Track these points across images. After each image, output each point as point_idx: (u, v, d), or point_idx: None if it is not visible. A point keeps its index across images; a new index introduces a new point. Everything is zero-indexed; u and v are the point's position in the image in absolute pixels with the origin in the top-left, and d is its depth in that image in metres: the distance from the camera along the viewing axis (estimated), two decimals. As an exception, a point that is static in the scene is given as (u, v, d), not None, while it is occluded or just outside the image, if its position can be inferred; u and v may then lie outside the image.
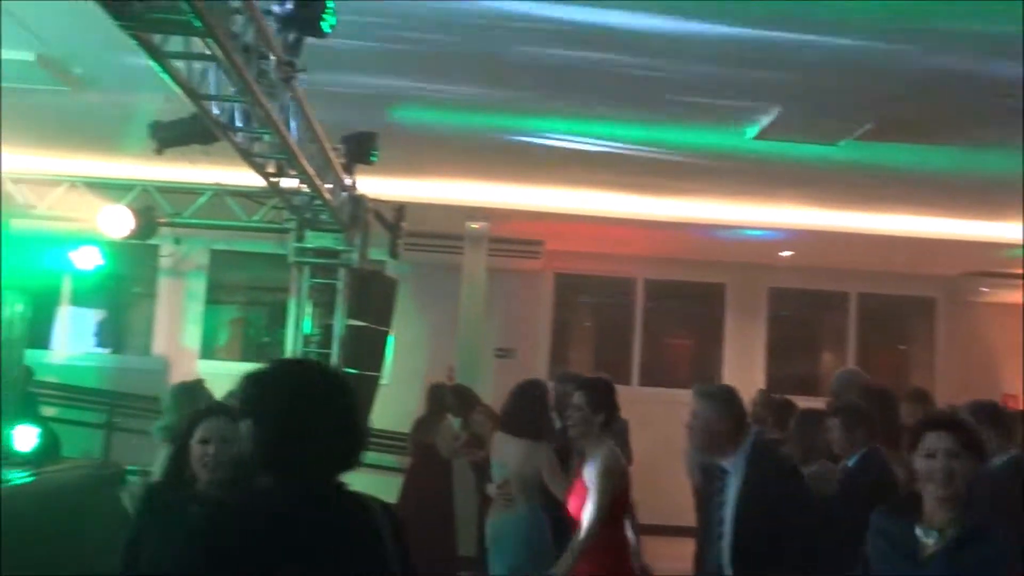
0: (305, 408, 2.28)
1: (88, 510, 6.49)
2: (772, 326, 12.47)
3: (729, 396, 4.12)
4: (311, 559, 2.15)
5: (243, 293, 12.60)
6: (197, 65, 4.26)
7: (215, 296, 11.84)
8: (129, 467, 7.66)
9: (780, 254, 11.48)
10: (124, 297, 12.02)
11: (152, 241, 9.01)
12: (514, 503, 5.50)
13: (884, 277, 11.97)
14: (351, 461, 2.33)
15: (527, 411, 5.62)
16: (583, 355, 12.83)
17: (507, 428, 5.73)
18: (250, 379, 2.39)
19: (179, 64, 4.07)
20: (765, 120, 6.56)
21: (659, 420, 9.10)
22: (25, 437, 6.46)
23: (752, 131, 6.82)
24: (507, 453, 5.59)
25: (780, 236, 10.34)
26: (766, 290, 12.42)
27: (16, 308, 6.75)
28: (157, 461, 4.46)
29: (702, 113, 6.61)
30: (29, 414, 7.04)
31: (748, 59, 5.52)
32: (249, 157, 5.13)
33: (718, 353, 12.42)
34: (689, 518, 6.96)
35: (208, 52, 4.03)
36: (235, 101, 4.40)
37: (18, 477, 6.05)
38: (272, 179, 5.70)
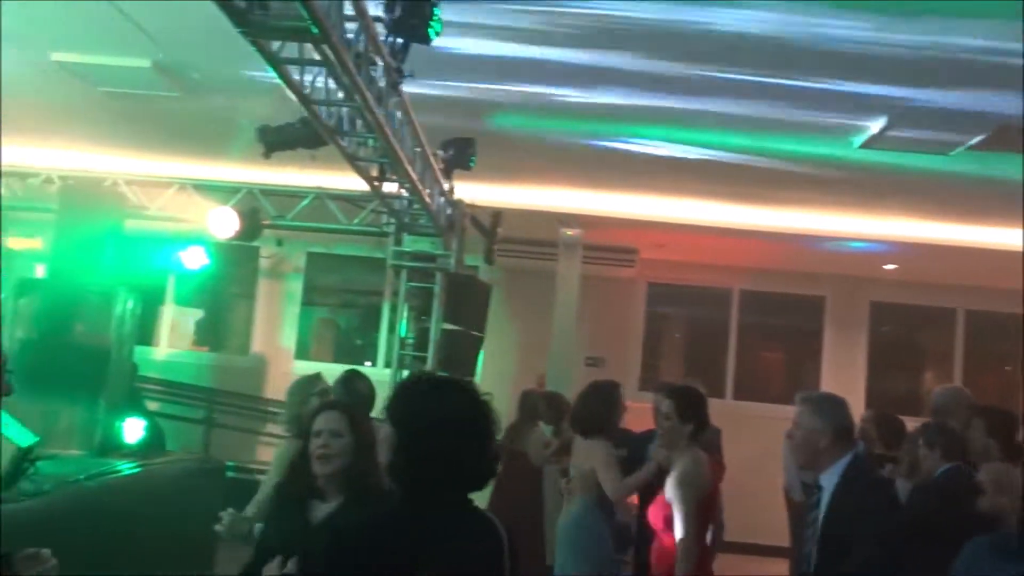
0: (452, 427, 2.32)
1: (190, 501, 6.67)
2: (873, 342, 12.12)
3: (835, 405, 3.92)
4: (441, 573, 2.21)
5: (337, 296, 12.84)
6: (297, 71, 4.36)
7: (310, 298, 12.09)
8: (228, 462, 7.88)
9: (884, 267, 11.16)
10: (223, 297, 12.35)
11: (253, 243, 9.23)
12: (574, 501, 5.51)
13: (994, 294, 11.50)
14: (482, 482, 2.39)
15: (591, 409, 5.63)
16: (674, 366, 12.68)
17: (574, 426, 5.76)
18: (402, 389, 2.45)
19: (291, 70, 4.17)
20: (872, 129, 6.40)
21: (752, 435, 8.96)
22: (133, 430, 6.68)
23: (858, 140, 6.66)
24: (575, 452, 5.63)
25: (884, 248, 10.05)
26: (868, 304, 12.08)
27: (127, 305, 6.98)
28: (280, 455, 4.57)
29: (807, 121, 6.48)
30: (136, 408, 7.27)
31: (855, 66, 5.39)
32: (354, 161, 5.22)
33: (816, 368, 12.13)
34: (779, 537, 6.81)
35: (318, 58, 4.12)
36: (345, 106, 4.48)
37: (126, 467, 6.26)
38: (375, 183, 5.78)
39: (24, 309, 6.76)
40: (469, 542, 2.29)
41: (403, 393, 2.43)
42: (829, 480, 3.82)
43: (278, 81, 6.31)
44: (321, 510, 3.25)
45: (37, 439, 4.98)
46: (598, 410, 5.62)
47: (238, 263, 11.24)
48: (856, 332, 12.05)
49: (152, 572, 5.68)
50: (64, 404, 6.46)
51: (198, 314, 12.32)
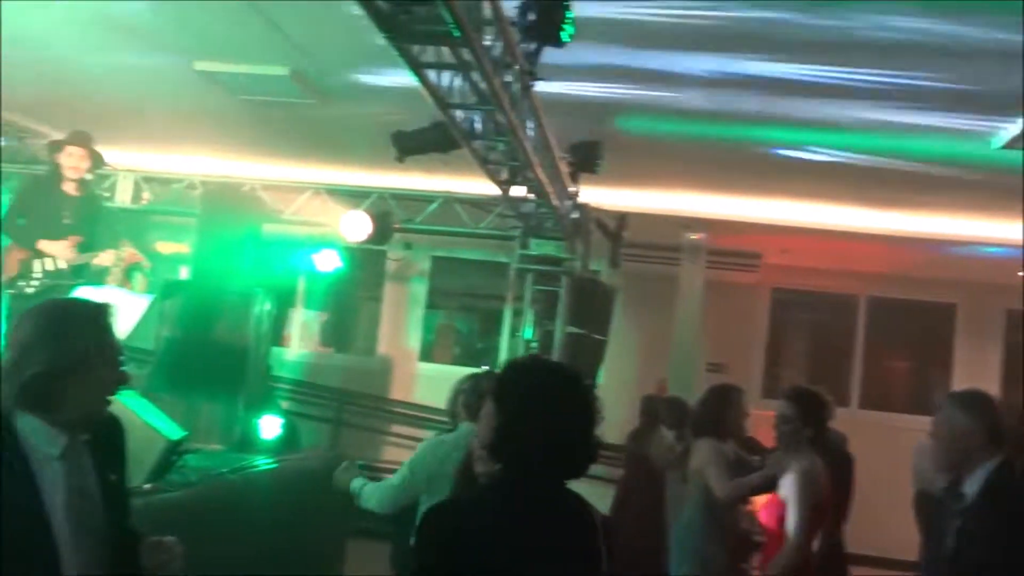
0: (556, 409, 2.30)
1: (324, 498, 6.86)
2: (1009, 352, 11.58)
3: (987, 403, 3.64)
4: (538, 557, 2.18)
5: (459, 299, 13.01)
6: (433, 76, 4.46)
7: (434, 301, 12.29)
8: (358, 462, 8.07)
9: (1019, 274, 10.66)
10: (350, 300, 12.67)
11: (382, 247, 9.45)
12: (687, 503, 5.45)
13: None
14: (581, 469, 2.34)
15: (707, 410, 5.55)
16: (798, 374, 12.38)
17: (692, 429, 5.71)
18: (510, 369, 2.44)
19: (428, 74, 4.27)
20: (1012, 130, 6.15)
21: (878, 445, 8.67)
22: (270, 426, 6.91)
23: (997, 141, 6.40)
24: (691, 454, 5.58)
25: (1020, 254, 9.61)
26: (1003, 312, 11.55)
27: (264, 307, 7.23)
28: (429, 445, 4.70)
29: (943, 122, 6.27)
30: (272, 406, 7.52)
31: (994, 66, 5.19)
32: (485, 164, 5.30)
33: (945, 378, 11.65)
34: (905, 550, 6.58)
35: (453, 61, 4.22)
36: (480, 109, 4.56)
37: (264, 463, 6.47)
38: (504, 187, 5.86)
39: (169, 309, 7.08)
40: (563, 525, 2.26)
41: (510, 373, 2.41)
42: (971, 487, 3.63)
43: (408, 87, 6.50)
44: None
45: (185, 433, 5.21)
46: (713, 411, 5.56)
47: (365, 267, 11.53)
48: (989, 341, 11.54)
49: (287, 566, 5.85)
50: (205, 400, 6.71)
51: (324, 316, 12.67)
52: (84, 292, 5.53)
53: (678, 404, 8.54)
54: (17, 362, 2.18)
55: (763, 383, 11.46)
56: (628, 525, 7.03)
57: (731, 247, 10.27)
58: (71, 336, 2.22)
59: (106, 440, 2.40)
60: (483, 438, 2.37)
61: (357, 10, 5.27)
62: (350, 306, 12.80)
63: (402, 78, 6.45)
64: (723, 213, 9.10)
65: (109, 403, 2.32)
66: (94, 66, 6.89)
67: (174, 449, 5.04)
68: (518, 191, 6.25)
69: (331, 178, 8.54)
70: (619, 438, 8.59)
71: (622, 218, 7.92)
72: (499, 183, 5.82)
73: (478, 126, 4.95)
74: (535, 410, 2.30)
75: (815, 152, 7.27)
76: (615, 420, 8.99)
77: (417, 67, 3.95)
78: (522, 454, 2.27)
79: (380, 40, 5.75)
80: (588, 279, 7.52)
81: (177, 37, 6.27)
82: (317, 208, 8.15)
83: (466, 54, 4.17)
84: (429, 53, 4.08)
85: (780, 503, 4.54)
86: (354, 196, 8.24)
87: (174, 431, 5.06)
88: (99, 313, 2.33)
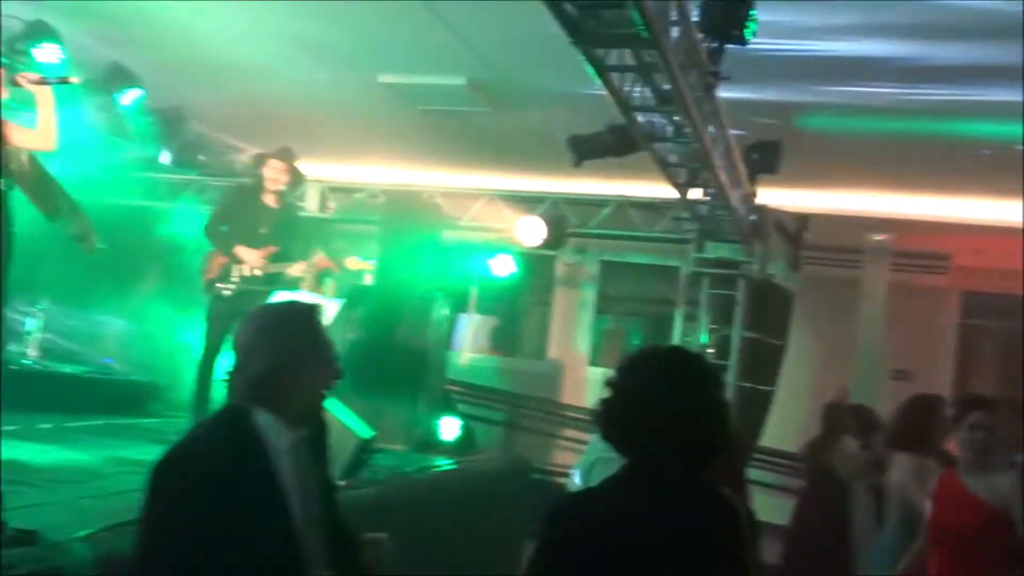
0: (685, 393, 2.20)
1: (500, 499, 6.99)
2: None
3: None
4: (660, 548, 2.09)
5: (627, 304, 12.93)
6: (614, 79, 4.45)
7: (603, 306, 12.26)
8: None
9: None
10: (520, 304, 12.80)
11: (556, 251, 9.51)
12: (888, 519, 5.20)
13: None
14: (712, 456, 2.21)
15: (909, 422, 5.27)
16: (990, 383, 11.65)
17: (889, 441, 5.44)
18: (633, 357, 2.32)
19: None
20: None
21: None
22: (449, 428, 7.11)
23: None
24: (890, 468, 5.31)
25: None
26: None
27: (442, 311, 7.44)
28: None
29: None
30: (449, 408, 7.72)
31: None
32: (665, 167, 5.25)
33: None
34: None
35: (633, 63, 4.20)
36: (662, 111, 4.52)
37: (445, 464, 6.65)
38: (682, 189, 5.79)
39: (354, 314, 7.38)
40: (697, 518, 2.15)
41: (634, 360, 2.30)
42: None
43: (579, 93, 6.53)
44: None
45: (374, 433, 5.42)
46: (917, 424, 5.30)
47: (535, 272, 11.62)
48: None
49: (466, 566, 5.98)
50: (387, 402, 6.96)
51: (493, 321, 12.86)
52: (280, 296, 5.81)
53: (864, 412, 8.18)
54: (244, 362, 2.31)
55: (952, 392, 10.83)
56: (810, 537, 6.80)
57: (918, 248, 9.76)
58: (290, 336, 2.33)
59: (316, 437, 2.49)
60: (610, 428, 2.27)
61: (535, 17, 5.40)
62: (519, 311, 12.92)
63: (575, 84, 6.53)
64: (909, 213, 8.66)
65: (325, 399, 2.43)
66: (285, 83, 7.26)
67: (365, 447, 5.25)
68: (695, 193, 6.16)
69: (506, 184, 8.68)
70: (796, 447, 8.32)
71: (803, 219, 7.67)
72: (677, 186, 5.76)
73: (658, 129, 4.91)
74: (663, 395, 2.20)
75: (1014, 145, 6.83)
76: (792, 428, 8.71)
77: (601, 71, 3.95)
78: (649, 441, 2.18)
79: (556, 47, 5.89)
80: (766, 282, 7.33)
81: (362, 52, 6.53)
82: (492, 214, 8.29)
83: (648, 56, 4.15)
84: (612, 56, 4.08)
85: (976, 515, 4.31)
86: (528, 201, 8.34)
87: (365, 430, 5.27)
88: (313, 313, 2.44)
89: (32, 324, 8.12)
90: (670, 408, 2.19)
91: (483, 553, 6.45)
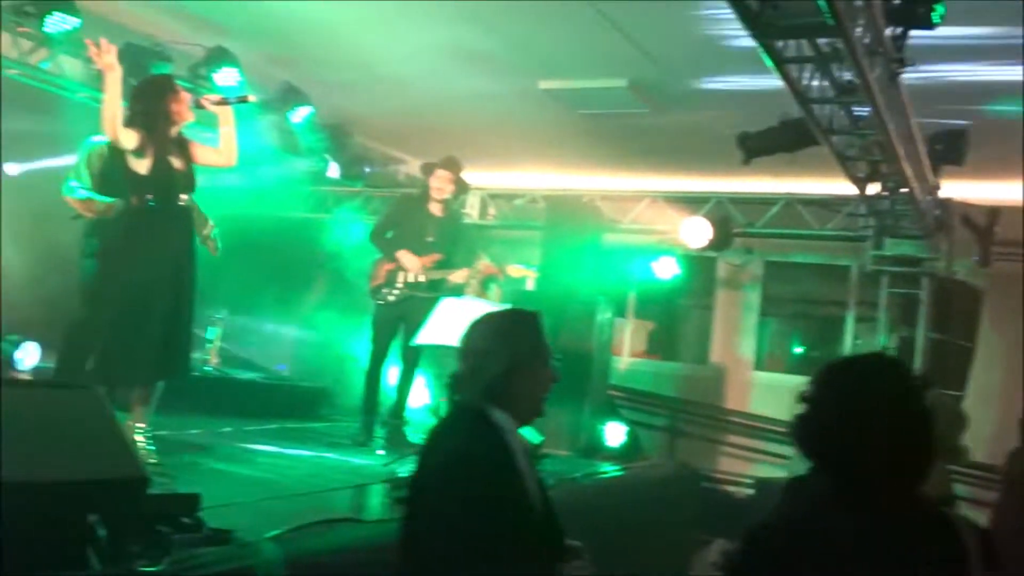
0: (895, 406, 2.03)
1: (669, 508, 6.83)
2: None
3: None
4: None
5: (793, 305, 12.49)
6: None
7: (767, 308, 11.87)
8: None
9: None
10: (679, 307, 12.55)
11: (713, 253, 9.27)
12: None
13: None
14: (923, 473, 2.04)
15: None
16: None
17: None
18: (834, 368, 2.17)
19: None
20: None
21: None
22: (615, 434, 7.01)
23: None
24: None
25: None
26: None
27: (605, 315, 7.35)
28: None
29: None
30: (613, 413, 7.62)
31: None
32: (844, 161, 5.01)
33: None
34: None
35: (811, 54, 4.02)
36: (842, 103, 4.31)
37: (611, 470, 6.55)
38: (861, 183, 5.51)
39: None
40: (918, 545, 1.97)
41: (834, 371, 2.15)
42: None
43: (743, 90, 6.34)
44: None
45: (543, 438, 5.38)
46: None
47: (695, 274, 11.37)
48: None
49: (635, 574, 5.87)
50: (553, 406, 6.88)
51: (649, 324, 12.66)
52: (447, 302, 5.86)
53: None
54: (477, 365, 2.49)
55: None
56: (1007, 551, 6.35)
57: None
58: (518, 340, 2.52)
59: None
60: (808, 446, 2.11)
61: (700, 14, 5.27)
62: (678, 314, 12.67)
63: (737, 81, 6.34)
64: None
65: (546, 400, 2.60)
66: (446, 94, 7.37)
67: (534, 453, 5.22)
68: (874, 188, 5.86)
69: (668, 185, 8.52)
70: (986, 456, 7.79)
71: (993, 213, 7.18)
72: (856, 180, 5.48)
73: (837, 121, 4.68)
74: (871, 409, 2.03)
75: None
76: (981, 436, 8.15)
77: (779, 63, 3.79)
78: (858, 461, 2.01)
79: (719, 43, 5.72)
80: (951, 280, 6.90)
81: (523, 60, 6.54)
82: (655, 216, 8.15)
83: (825, 46, 3.95)
84: (790, 48, 3.91)
85: None
86: (692, 202, 8.16)
87: (534, 435, 5.24)
88: (536, 320, 2.62)
89: (212, 333, 8.51)
90: (881, 421, 2.03)
91: (653, 562, 6.33)
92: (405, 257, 6.46)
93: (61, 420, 2.93)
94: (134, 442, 4.31)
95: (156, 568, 2.88)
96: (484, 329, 2.56)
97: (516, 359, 2.47)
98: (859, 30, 3.72)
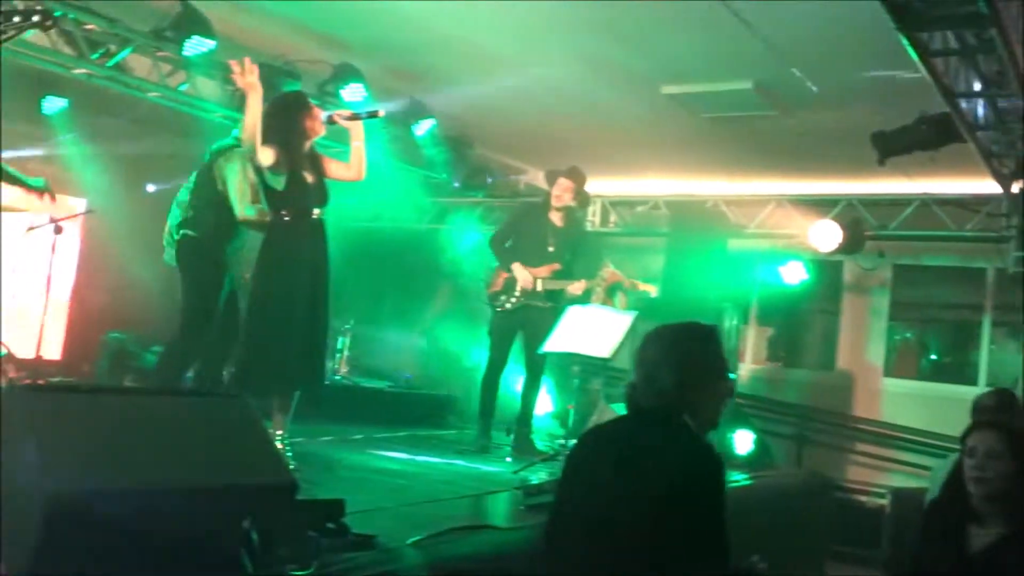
0: None
1: (801, 518, 6.64)
2: None
3: None
4: None
5: (923, 310, 12.01)
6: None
7: (896, 313, 11.45)
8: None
9: None
10: (802, 313, 12.21)
11: (843, 257, 9.00)
12: None
13: None
14: None
15: None
16: None
17: None
18: None
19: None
20: None
21: None
22: (743, 441, 6.85)
23: None
24: None
25: None
26: None
27: (732, 322, 7.23)
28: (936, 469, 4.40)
29: None
30: (742, 421, 7.46)
31: None
32: (988, 158, 4.79)
33: None
34: None
35: (956, 47, 3.86)
36: (992, 96, 4.12)
37: (740, 478, 6.41)
38: (1007, 181, 5.27)
39: (641, 328, 7.29)
40: None
41: None
42: None
43: (874, 88, 6.11)
44: (979, 538, 3.05)
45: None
46: None
47: (820, 278, 11.05)
48: None
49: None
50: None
51: (768, 330, 12.35)
52: (573, 309, 5.85)
53: None
54: (651, 375, 2.57)
55: None
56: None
57: None
58: (690, 353, 2.60)
59: None
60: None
61: (831, 11, 5.11)
62: (802, 319, 12.33)
63: (867, 79, 6.13)
64: None
65: (722, 412, 2.65)
66: (568, 103, 7.36)
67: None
68: (1017, 186, 5.59)
69: (794, 189, 8.31)
70: None
71: None
72: (1001, 178, 5.24)
73: (981, 116, 4.49)
74: None
75: None
76: None
77: (925, 56, 3.65)
78: None
79: (853, 40, 5.55)
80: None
81: (647, 65, 6.48)
82: (781, 220, 7.96)
83: (970, 37, 3.79)
84: (936, 40, 3.76)
85: None
86: (820, 205, 7.94)
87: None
88: (714, 333, 2.72)
89: (342, 342, 8.72)
90: None
91: (787, 573, 6.15)
92: (518, 270, 6.48)
93: (215, 428, 3.02)
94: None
95: (306, 572, 2.94)
96: (657, 341, 2.64)
97: (688, 372, 2.53)
98: (1013, 19, 3.56)
